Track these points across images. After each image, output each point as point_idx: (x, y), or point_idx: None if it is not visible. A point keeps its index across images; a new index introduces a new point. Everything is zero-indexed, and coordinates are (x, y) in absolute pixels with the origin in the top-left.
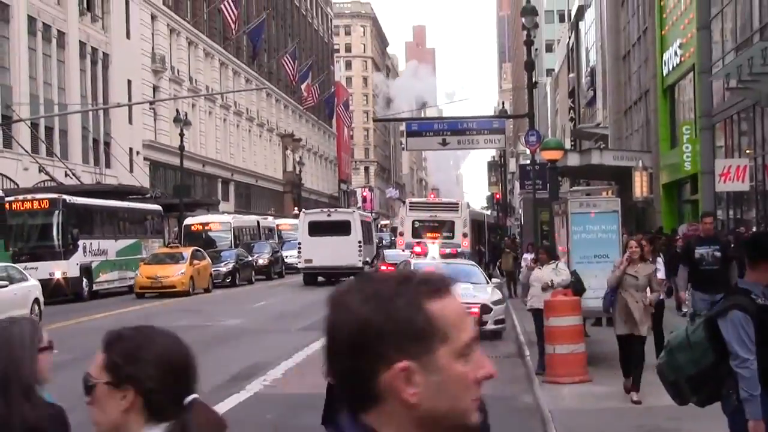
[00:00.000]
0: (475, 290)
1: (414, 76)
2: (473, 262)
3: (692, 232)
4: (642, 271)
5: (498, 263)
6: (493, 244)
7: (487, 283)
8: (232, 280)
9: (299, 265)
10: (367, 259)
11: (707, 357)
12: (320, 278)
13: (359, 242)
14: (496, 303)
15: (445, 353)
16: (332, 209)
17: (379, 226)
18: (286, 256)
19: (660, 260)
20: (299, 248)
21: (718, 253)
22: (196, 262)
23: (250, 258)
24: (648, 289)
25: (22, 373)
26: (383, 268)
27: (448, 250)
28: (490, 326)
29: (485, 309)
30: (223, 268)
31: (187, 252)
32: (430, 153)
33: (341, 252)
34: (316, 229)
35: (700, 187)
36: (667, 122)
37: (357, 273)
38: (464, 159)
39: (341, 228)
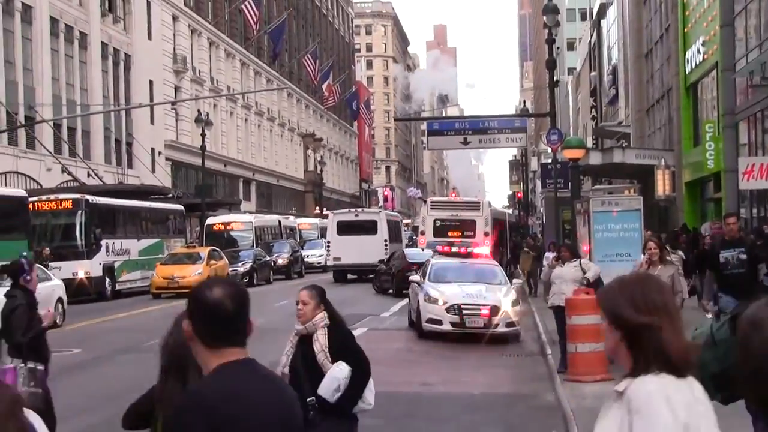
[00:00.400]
0: (487, 291)
1: (435, 66)
2: (495, 262)
3: (716, 231)
4: (663, 274)
5: (518, 262)
6: (514, 243)
7: (507, 283)
8: (249, 280)
9: (328, 263)
10: (383, 257)
11: (732, 355)
12: (350, 275)
13: (385, 241)
14: (511, 304)
15: None
16: (359, 209)
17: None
18: (307, 256)
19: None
20: (328, 246)
21: (743, 256)
22: (213, 262)
23: (268, 258)
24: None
25: None
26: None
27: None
28: (500, 329)
29: (494, 310)
30: (241, 268)
31: (204, 252)
32: (451, 150)
33: (368, 250)
34: (345, 228)
35: (724, 186)
36: (690, 120)
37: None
38: (485, 154)
39: (368, 227)
